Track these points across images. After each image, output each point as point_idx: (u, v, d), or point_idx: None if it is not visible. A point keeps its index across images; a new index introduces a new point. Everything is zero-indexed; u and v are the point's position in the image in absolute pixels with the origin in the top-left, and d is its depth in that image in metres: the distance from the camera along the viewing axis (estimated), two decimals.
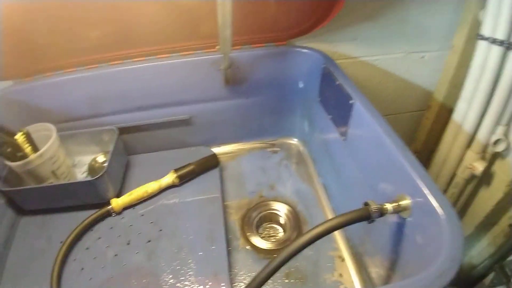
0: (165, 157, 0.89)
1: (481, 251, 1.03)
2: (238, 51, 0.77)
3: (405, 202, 0.50)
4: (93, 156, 0.87)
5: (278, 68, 0.82)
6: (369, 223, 0.50)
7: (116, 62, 0.79)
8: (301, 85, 0.85)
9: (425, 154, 1.05)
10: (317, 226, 0.46)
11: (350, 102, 0.63)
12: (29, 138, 0.69)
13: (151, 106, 0.83)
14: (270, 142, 0.96)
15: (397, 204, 0.50)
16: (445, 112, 0.98)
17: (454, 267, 0.40)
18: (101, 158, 0.86)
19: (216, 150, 0.92)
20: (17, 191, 0.73)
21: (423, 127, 1.07)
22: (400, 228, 0.53)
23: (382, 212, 0.49)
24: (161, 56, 0.79)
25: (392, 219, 0.54)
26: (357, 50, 0.89)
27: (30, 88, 0.78)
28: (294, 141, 0.96)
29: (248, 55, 0.79)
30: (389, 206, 0.49)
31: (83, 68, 0.79)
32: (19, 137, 0.67)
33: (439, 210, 0.45)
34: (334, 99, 0.71)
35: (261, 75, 0.82)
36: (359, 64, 0.91)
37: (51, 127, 0.75)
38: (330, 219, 0.47)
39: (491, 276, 1.02)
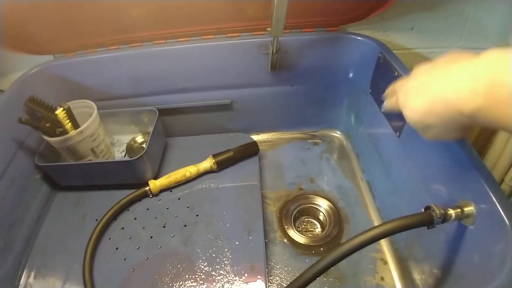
0: (204, 141, 0.87)
1: None
2: (287, 35, 0.73)
3: (469, 208, 0.45)
4: (131, 136, 0.86)
5: (327, 55, 0.77)
6: (429, 228, 0.46)
7: (159, 42, 0.77)
8: (351, 74, 0.80)
9: None
10: (374, 227, 0.43)
11: None
12: (69, 114, 0.68)
13: (193, 88, 0.81)
14: (311, 133, 0.92)
15: (460, 210, 0.45)
16: None
17: None
18: (140, 139, 0.85)
19: (255, 137, 0.89)
20: (55, 167, 0.73)
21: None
22: (458, 235, 0.49)
23: (445, 218, 0.44)
24: (206, 37, 0.76)
25: (450, 225, 0.50)
26: (411, 41, 0.83)
27: (71, 64, 0.77)
28: (337, 134, 0.92)
29: (297, 39, 0.74)
30: (452, 212, 0.45)
31: (126, 46, 0.77)
32: (60, 113, 0.67)
33: (507, 220, 0.40)
34: None
35: (308, 62, 0.78)
36: (412, 55, 0.85)
37: (92, 104, 0.74)
38: (389, 222, 0.43)
39: None
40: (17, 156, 0.70)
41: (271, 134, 0.93)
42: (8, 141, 0.68)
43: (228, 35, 0.76)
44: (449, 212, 0.45)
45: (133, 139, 0.85)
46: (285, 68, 0.78)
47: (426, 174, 0.56)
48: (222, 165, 0.78)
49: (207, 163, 0.77)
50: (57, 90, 0.78)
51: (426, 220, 0.44)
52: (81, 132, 0.69)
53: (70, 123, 0.69)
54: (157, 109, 0.80)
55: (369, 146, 0.77)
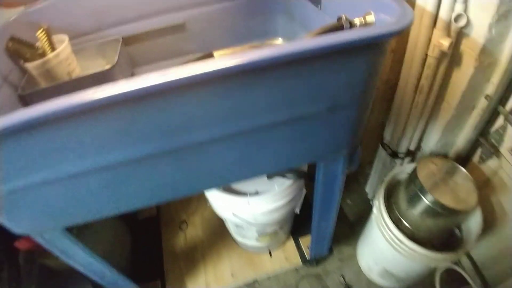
0: (165, 66, 0.98)
1: (464, 137, 1.12)
2: None
3: (370, 16, 0.60)
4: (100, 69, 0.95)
5: None
6: None
7: None
8: None
9: (400, 51, 1.15)
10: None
11: None
12: (48, 35, 0.78)
13: (149, 14, 0.93)
14: (257, 46, 1.06)
15: (363, 19, 0.61)
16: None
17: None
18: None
19: None
20: (38, 93, 0.79)
21: None
22: None
23: (352, 25, 0.60)
24: None
25: None
26: None
27: (39, 10, 0.86)
28: (279, 40, 1.08)
29: None
30: (357, 20, 0.60)
31: None
32: (40, 33, 0.76)
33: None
34: None
35: None
36: None
37: (63, 36, 0.84)
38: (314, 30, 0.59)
39: (478, 152, 1.10)
40: (1, 91, 0.76)
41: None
42: None
43: None
44: (355, 20, 0.60)
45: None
46: None
47: None
48: None
49: None
50: (32, 36, 0.82)
51: (339, 26, 0.60)
52: (58, 54, 0.79)
53: (49, 46, 0.78)
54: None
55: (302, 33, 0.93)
